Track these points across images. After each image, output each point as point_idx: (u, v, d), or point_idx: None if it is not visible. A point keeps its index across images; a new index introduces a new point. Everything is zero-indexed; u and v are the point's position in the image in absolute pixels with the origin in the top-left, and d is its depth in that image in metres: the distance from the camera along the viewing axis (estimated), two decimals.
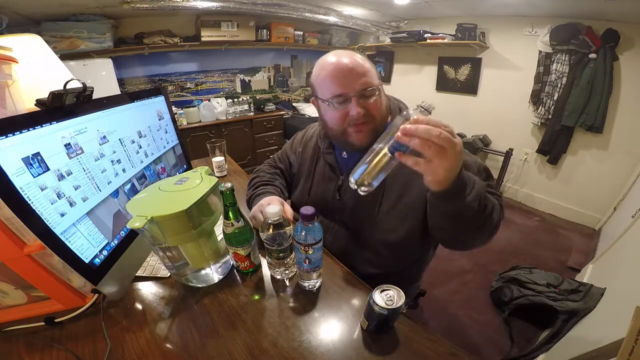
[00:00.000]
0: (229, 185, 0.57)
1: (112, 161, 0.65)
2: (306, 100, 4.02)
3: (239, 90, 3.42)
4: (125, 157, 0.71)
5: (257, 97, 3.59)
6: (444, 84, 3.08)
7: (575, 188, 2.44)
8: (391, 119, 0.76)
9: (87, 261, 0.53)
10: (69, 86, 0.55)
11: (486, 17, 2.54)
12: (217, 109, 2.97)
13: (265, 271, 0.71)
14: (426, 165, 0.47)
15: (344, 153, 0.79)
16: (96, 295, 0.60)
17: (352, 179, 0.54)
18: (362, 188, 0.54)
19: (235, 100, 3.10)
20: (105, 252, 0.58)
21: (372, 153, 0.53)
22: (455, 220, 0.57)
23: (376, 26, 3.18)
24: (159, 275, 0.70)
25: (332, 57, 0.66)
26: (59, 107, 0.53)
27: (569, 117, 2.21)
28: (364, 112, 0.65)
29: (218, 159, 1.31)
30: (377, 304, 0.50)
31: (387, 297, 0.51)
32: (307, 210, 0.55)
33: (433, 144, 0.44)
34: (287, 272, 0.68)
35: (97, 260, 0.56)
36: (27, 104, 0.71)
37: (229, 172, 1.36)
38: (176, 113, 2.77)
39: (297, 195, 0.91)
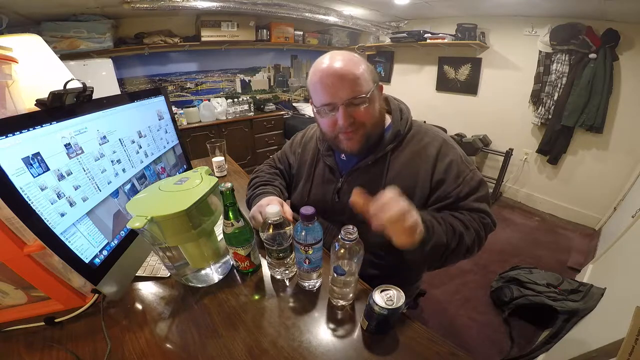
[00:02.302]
0: (229, 185, 0.57)
1: (112, 161, 0.65)
2: (306, 100, 4.02)
3: (239, 90, 3.42)
4: (125, 157, 0.71)
5: (257, 97, 3.59)
6: (444, 84, 3.08)
7: (575, 188, 2.44)
8: (392, 121, 0.76)
9: (87, 261, 0.53)
10: (69, 86, 0.55)
11: (486, 17, 2.54)
12: (217, 109, 2.97)
13: (265, 271, 0.71)
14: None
15: (343, 155, 0.79)
16: (96, 295, 0.60)
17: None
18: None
19: (235, 100, 3.10)
20: (105, 252, 0.58)
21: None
22: (419, 262, 0.66)
23: (376, 26, 3.18)
24: (159, 275, 0.70)
25: (325, 61, 0.65)
26: (59, 107, 0.53)
27: (569, 117, 2.21)
28: (350, 122, 0.65)
29: (218, 159, 1.31)
30: (377, 304, 0.50)
31: (387, 297, 0.51)
32: (307, 210, 0.55)
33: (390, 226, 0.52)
34: (287, 272, 0.68)
35: (97, 260, 0.56)
36: (27, 104, 0.71)
37: (229, 172, 1.36)
38: (176, 113, 2.77)
39: (297, 197, 0.91)
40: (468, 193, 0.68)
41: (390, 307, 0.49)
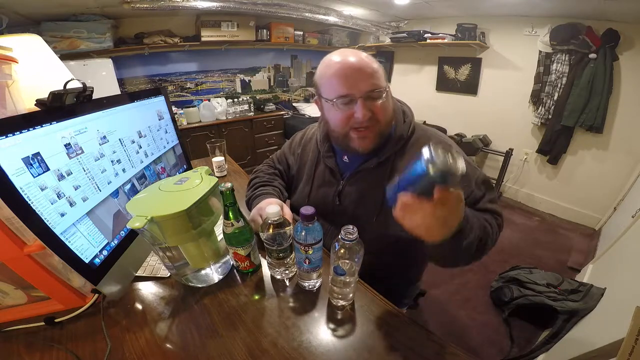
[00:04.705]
0: (229, 185, 0.57)
1: (112, 161, 0.65)
2: (306, 100, 4.02)
3: (239, 90, 3.42)
4: (125, 157, 0.71)
5: (257, 97, 3.59)
6: (444, 84, 3.08)
7: (575, 188, 2.44)
8: (395, 124, 0.74)
9: (87, 261, 0.53)
10: (69, 86, 0.55)
11: (486, 17, 2.54)
12: (217, 109, 2.97)
13: (265, 271, 0.71)
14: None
15: (345, 157, 0.78)
16: (96, 295, 0.60)
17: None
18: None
19: (235, 100, 3.10)
20: (105, 252, 0.58)
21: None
22: (449, 258, 0.59)
23: (376, 26, 3.18)
24: (159, 275, 0.70)
25: (339, 56, 0.64)
26: (59, 107, 0.53)
27: (569, 117, 2.21)
28: (369, 115, 0.64)
29: (218, 159, 1.31)
30: (434, 160, 0.36)
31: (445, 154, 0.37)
32: (307, 210, 0.55)
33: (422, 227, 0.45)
34: (287, 272, 0.68)
35: (97, 260, 0.56)
36: (27, 104, 0.71)
37: (229, 172, 1.36)
38: (176, 113, 2.77)
39: (297, 199, 0.90)
40: (482, 195, 0.69)
41: (449, 166, 0.35)
